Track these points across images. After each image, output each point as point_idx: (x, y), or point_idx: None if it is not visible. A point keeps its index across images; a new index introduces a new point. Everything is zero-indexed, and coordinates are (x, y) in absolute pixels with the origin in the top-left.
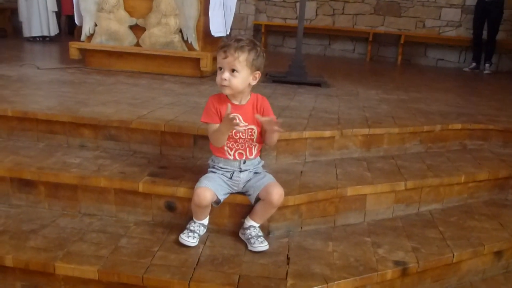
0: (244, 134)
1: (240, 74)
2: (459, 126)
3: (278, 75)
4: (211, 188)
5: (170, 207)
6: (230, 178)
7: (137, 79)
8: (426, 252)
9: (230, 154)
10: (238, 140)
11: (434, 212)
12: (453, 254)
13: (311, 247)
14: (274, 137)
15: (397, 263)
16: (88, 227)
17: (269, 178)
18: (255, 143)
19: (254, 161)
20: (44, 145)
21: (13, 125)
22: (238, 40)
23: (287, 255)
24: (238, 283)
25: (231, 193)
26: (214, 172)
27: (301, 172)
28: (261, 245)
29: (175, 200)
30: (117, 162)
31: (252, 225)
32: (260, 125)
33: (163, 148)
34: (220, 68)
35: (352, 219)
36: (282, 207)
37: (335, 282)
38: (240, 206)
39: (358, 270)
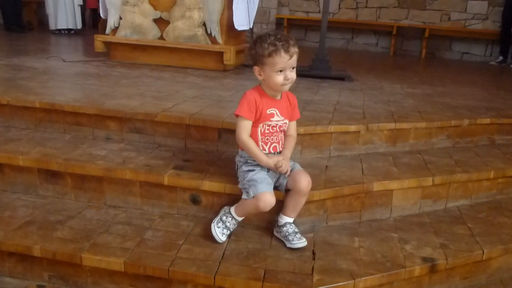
0: (279, 128)
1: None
2: (487, 120)
3: (301, 69)
4: (270, 190)
5: (195, 201)
6: (268, 171)
7: (161, 72)
8: (455, 248)
9: (265, 149)
10: (273, 133)
11: (462, 208)
12: (483, 251)
13: (337, 243)
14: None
15: (425, 259)
16: (113, 219)
17: (296, 166)
18: (283, 135)
19: None
20: (71, 137)
21: (40, 117)
22: (287, 38)
23: (313, 250)
24: (264, 277)
25: None
26: (253, 169)
27: (326, 166)
28: (300, 242)
29: (200, 193)
30: (142, 154)
31: (288, 222)
32: (291, 119)
33: (187, 142)
34: (280, 71)
35: (378, 215)
36: (307, 202)
37: (362, 278)
38: None
39: (385, 266)
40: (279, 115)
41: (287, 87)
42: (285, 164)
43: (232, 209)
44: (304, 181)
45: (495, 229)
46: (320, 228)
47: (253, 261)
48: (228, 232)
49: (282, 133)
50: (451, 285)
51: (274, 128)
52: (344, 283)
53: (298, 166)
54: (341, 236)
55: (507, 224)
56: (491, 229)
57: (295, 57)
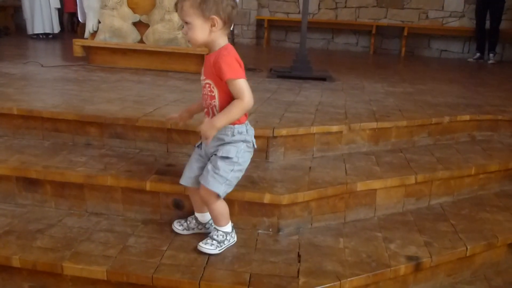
0: (204, 90)
1: (192, 25)
2: (467, 117)
3: (283, 70)
4: (185, 182)
5: (178, 205)
6: (199, 147)
7: (142, 76)
8: (439, 246)
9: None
10: (204, 95)
11: (445, 205)
12: (466, 248)
13: (322, 244)
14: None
15: (409, 258)
16: (95, 226)
17: (209, 170)
18: (215, 103)
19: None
20: (50, 144)
21: (18, 124)
22: None
23: (298, 252)
24: (249, 282)
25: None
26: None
27: (310, 168)
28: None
29: (183, 198)
30: (124, 160)
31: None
32: (221, 82)
33: (169, 146)
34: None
35: (363, 215)
36: (291, 204)
37: (348, 279)
38: (249, 204)
39: (370, 266)
40: (202, 75)
41: (191, 44)
42: (204, 130)
43: None
44: (198, 194)
45: (477, 225)
46: (305, 230)
47: (238, 266)
48: (185, 223)
49: (213, 100)
50: (436, 283)
51: (204, 89)
52: (330, 284)
53: (211, 170)
54: (326, 237)
55: (489, 220)
56: (474, 225)
57: (179, 13)
